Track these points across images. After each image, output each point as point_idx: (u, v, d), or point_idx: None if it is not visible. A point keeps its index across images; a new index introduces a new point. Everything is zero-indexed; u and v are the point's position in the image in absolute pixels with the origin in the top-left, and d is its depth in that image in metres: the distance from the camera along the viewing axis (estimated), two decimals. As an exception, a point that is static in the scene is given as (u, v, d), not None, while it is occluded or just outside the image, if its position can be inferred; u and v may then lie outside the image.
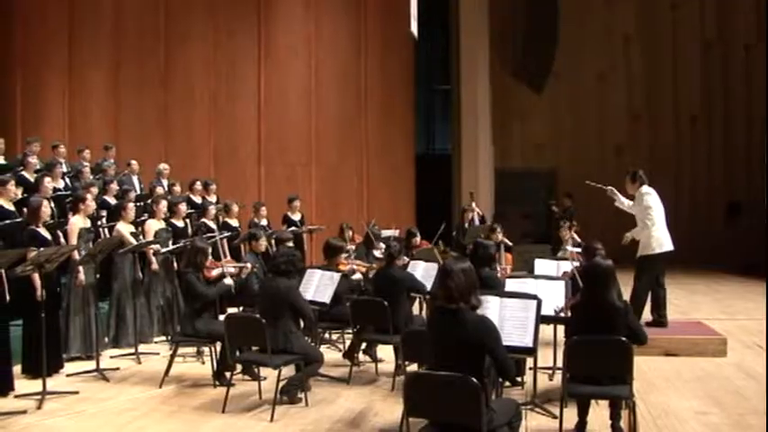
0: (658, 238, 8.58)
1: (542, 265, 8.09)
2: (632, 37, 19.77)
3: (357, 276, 8.53)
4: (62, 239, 8.25)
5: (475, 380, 3.99)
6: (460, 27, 17.32)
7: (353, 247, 9.77)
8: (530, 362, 6.29)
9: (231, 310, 8.66)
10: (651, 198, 8.64)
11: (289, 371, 6.80)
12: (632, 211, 8.82)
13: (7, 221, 7.89)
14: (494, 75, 18.28)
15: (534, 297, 5.44)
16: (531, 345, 5.22)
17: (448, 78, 19.70)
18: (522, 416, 4.86)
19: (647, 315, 8.69)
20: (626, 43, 19.80)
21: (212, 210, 10.86)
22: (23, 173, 9.98)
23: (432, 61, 21.20)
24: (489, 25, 17.91)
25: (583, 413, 5.57)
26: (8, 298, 6.84)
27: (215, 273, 7.88)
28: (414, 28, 15.34)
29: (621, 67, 19.84)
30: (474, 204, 13.55)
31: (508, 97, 19.54)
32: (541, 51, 19.24)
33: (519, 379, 6.94)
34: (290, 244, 8.98)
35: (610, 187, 9.03)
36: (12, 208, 8.26)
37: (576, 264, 7.08)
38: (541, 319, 5.45)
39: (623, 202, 8.94)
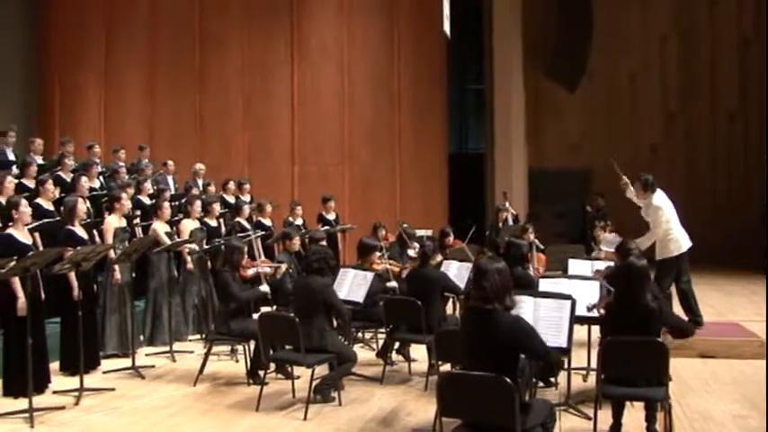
0: (676, 240, 8.47)
1: (576, 265, 8.02)
2: (668, 35, 19.54)
3: (393, 284, 8.51)
4: (97, 239, 8.37)
5: (509, 380, 3.98)
6: (494, 26, 17.24)
7: (387, 245, 9.77)
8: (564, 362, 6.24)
9: (265, 309, 8.70)
10: (662, 212, 8.47)
11: (322, 370, 6.82)
12: (640, 203, 8.74)
13: (46, 221, 8.01)
14: (527, 74, 18.16)
15: (569, 297, 5.40)
16: (565, 345, 5.18)
17: (481, 77, 19.62)
18: (556, 417, 4.82)
19: (681, 316, 8.57)
20: (662, 41, 19.57)
21: (246, 209, 10.93)
22: (60, 173, 10.13)
23: (465, 60, 21.13)
24: (522, 24, 17.79)
25: (617, 415, 5.51)
26: (43, 296, 6.95)
27: (250, 272, 7.92)
28: (446, 27, 15.30)
29: (657, 66, 19.61)
30: (508, 204, 13.49)
31: (542, 96, 19.40)
32: (575, 50, 19.06)
33: (552, 380, 6.91)
34: (324, 243, 9.01)
35: (625, 179, 8.95)
36: (51, 207, 8.42)
37: (612, 264, 7.01)
38: (576, 320, 5.42)
39: (635, 196, 8.88)
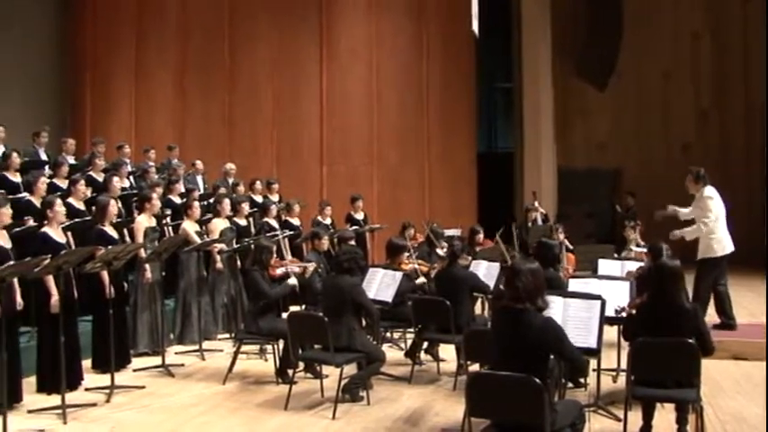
0: (720, 239, 8.35)
1: (606, 266, 7.96)
2: (701, 33, 19.30)
3: (421, 280, 8.50)
4: (127, 238, 8.45)
5: (538, 380, 3.95)
6: (522, 25, 17.13)
7: (415, 244, 9.76)
8: (593, 363, 6.19)
9: (294, 309, 8.73)
10: (713, 203, 8.36)
11: (351, 369, 6.83)
12: (692, 215, 8.61)
13: (77, 220, 8.10)
14: (556, 72, 18.03)
15: (598, 297, 5.36)
16: (594, 346, 5.14)
17: (510, 76, 19.52)
18: (586, 418, 4.79)
19: (714, 318, 8.48)
20: (694, 40, 19.33)
21: (274, 209, 10.96)
22: (91, 173, 10.24)
23: (493, 59, 21.02)
24: (552, 22, 17.68)
25: (648, 416, 5.45)
26: (76, 295, 7.04)
27: (279, 272, 7.95)
28: (475, 27, 15.25)
29: (688, 65, 19.37)
30: (537, 203, 13.40)
31: (571, 95, 19.24)
32: (605, 48, 18.90)
33: (582, 380, 6.86)
34: (353, 243, 9.01)
35: (670, 207, 8.83)
36: (82, 207, 8.51)
37: (643, 264, 6.94)
38: (605, 320, 5.37)
39: (684, 212, 8.73)
